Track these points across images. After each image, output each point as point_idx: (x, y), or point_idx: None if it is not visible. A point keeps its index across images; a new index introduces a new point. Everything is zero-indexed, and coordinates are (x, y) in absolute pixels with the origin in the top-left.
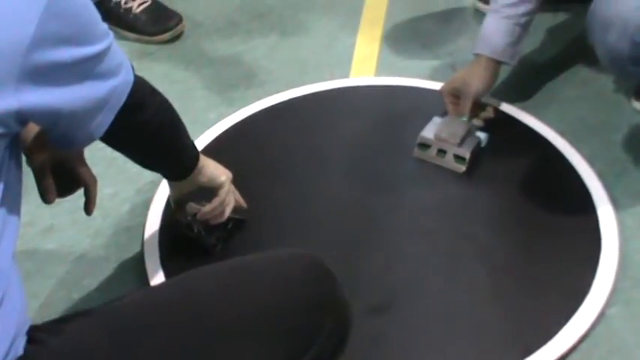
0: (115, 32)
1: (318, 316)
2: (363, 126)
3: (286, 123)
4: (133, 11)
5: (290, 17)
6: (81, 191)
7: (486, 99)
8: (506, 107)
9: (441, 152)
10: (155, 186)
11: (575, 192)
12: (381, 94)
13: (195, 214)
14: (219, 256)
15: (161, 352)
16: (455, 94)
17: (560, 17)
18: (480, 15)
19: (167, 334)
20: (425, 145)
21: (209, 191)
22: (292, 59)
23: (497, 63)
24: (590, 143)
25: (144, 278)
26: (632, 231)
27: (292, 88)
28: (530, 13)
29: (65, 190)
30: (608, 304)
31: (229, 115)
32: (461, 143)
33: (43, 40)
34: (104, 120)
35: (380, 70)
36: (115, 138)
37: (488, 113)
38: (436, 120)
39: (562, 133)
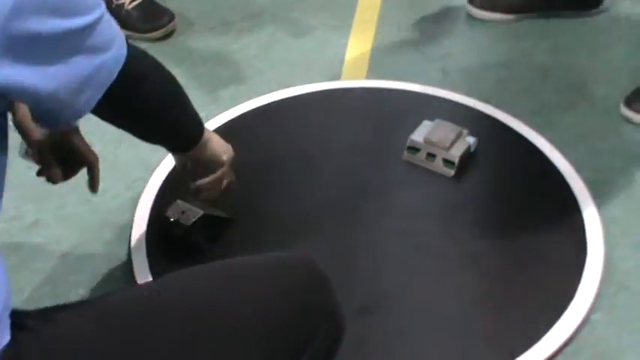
0: None
1: (313, 318)
2: (353, 128)
3: (276, 124)
4: (125, 7)
5: (282, 17)
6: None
7: (476, 104)
8: (495, 113)
9: (431, 156)
10: (144, 182)
11: (561, 198)
12: (371, 97)
13: (183, 212)
14: (206, 255)
15: (153, 344)
16: None
17: (551, 24)
18: (471, 19)
19: (159, 328)
20: (414, 149)
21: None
22: (284, 60)
23: None
24: (577, 150)
25: (131, 275)
26: (617, 238)
27: (283, 88)
28: None
29: (68, 171)
30: (593, 309)
31: (219, 114)
32: (450, 147)
33: (24, 8)
34: (92, 96)
35: (371, 73)
36: (115, 111)
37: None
38: (426, 124)
39: (550, 140)
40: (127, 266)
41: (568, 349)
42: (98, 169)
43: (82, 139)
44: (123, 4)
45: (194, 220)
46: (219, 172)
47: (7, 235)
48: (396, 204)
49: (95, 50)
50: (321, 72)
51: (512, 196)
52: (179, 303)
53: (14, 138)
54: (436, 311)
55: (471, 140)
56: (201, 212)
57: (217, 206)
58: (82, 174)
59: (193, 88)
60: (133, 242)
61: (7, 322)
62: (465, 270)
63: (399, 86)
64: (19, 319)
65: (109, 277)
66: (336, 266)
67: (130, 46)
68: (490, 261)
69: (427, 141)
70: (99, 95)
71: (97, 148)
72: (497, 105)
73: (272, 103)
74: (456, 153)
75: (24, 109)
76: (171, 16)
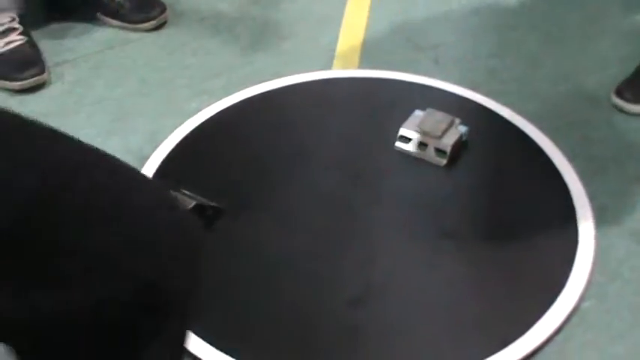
0: (99, 19)
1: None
2: (345, 118)
3: (268, 114)
4: None
5: (274, 8)
6: None
7: (468, 93)
8: (488, 102)
9: (422, 145)
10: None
11: (553, 188)
12: (363, 87)
13: None
14: None
15: None
16: None
17: (542, 14)
18: (472, 15)
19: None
20: (406, 138)
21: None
22: (275, 50)
23: None
24: (569, 140)
25: None
26: (609, 227)
27: (275, 78)
28: None
29: None
30: (584, 297)
31: (211, 104)
32: (442, 137)
33: None
34: None
35: (363, 63)
36: None
37: None
38: (418, 113)
39: (542, 129)
40: None
41: (559, 337)
42: None
43: None
44: None
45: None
46: None
47: None
48: (388, 193)
49: None
50: (313, 62)
51: (503, 185)
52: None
53: None
54: (428, 300)
55: (462, 129)
56: (193, 202)
57: (209, 196)
58: None
59: (185, 78)
60: None
61: None
62: (457, 259)
63: (391, 76)
64: None
65: None
66: (327, 256)
67: None
68: (481, 250)
69: (419, 130)
70: None
71: (87, 139)
72: (489, 94)
73: (264, 93)
74: (447, 142)
75: None
76: (162, 7)
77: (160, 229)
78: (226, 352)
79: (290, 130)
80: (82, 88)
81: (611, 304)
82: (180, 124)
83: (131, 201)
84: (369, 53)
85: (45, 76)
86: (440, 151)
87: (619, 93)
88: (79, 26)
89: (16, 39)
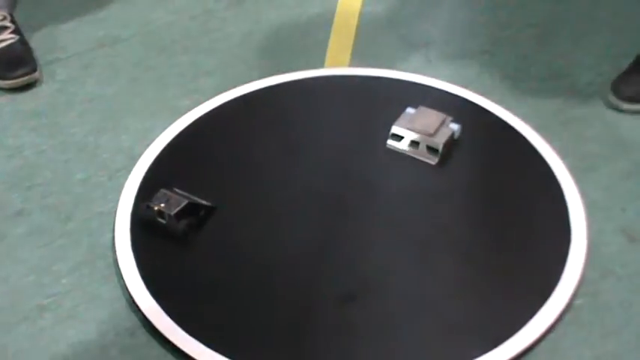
0: None
1: None
2: (337, 116)
3: (260, 112)
4: None
5: (265, 5)
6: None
7: (460, 91)
8: (480, 100)
9: (414, 143)
10: (127, 172)
11: (546, 185)
12: (355, 85)
13: (167, 201)
14: (190, 243)
15: None
16: None
17: (534, 11)
18: (465, 12)
19: None
20: (398, 136)
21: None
22: (267, 48)
23: None
24: (561, 137)
25: (115, 264)
26: (601, 224)
27: (266, 77)
28: None
29: None
30: (576, 295)
31: (203, 102)
32: (434, 135)
33: None
34: None
35: (354, 60)
36: None
37: None
38: (410, 111)
39: (535, 127)
40: (112, 255)
41: (552, 335)
42: None
43: None
44: None
45: (178, 208)
46: None
47: None
48: (380, 191)
49: None
50: (304, 60)
51: (496, 183)
52: None
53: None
54: (420, 298)
55: (454, 127)
56: (185, 201)
57: (201, 195)
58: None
59: (176, 76)
60: (116, 231)
61: None
62: (449, 257)
63: (382, 74)
64: None
65: (93, 267)
66: (319, 254)
67: None
68: (474, 248)
69: (411, 128)
70: None
71: (77, 137)
72: (481, 92)
73: (255, 91)
74: (439, 140)
75: None
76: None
77: None
78: (218, 351)
79: (282, 129)
80: (73, 86)
81: (604, 302)
82: (171, 123)
83: None
84: (360, 51)
85: (36, 74)
86: (432, 149)
87: (614, 91)
88: (70, 25)
89: (7, 37)
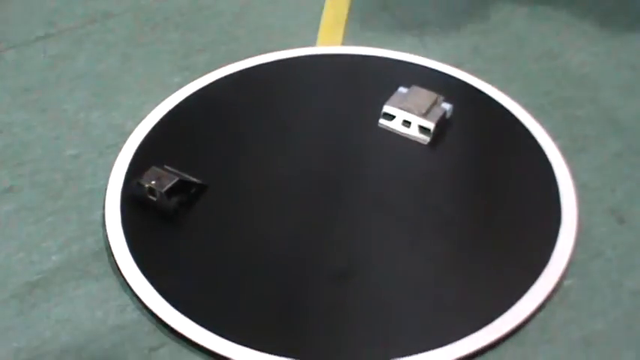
0: None
1: None
2: (329, 95)
3: (251, 90)
4: None
5: None
6: (39, 152)
7: (452, 71)
8: (472, 80)
9: (406, 123)
10: (118, 149)
11: (537, 166)
12: (347, 64)
13: (158, 178)
14: (181, 221)
15: None
16: None
17: None
18: None
19: None
20: (390, 116)
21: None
22: (259, 26)
23: None
24: (553, 118)
25: (105, 241)
26: (591, 205)
27: (258, 54)
28: None
29: None
30: (566, 275)
31: (194, 80)
32: (426, 114)
33: None
34: None
35: (347, 39)
36: None
37: None
38: (402, 90)
39: (526, 107)
40: (102, 232)
41: (540, 314)
42: None
43: None
44: None
45: (169, 186)
46: None
47: None
48: (372, 171)
49: None
50: (297, 38)
51: (487, 163)
52: None
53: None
54: (410, 278)
55: (446, 107)
56: (176, 178)
57: (192, 172)
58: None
59: (168, 53)
60: (107, 209)
61: None
62: (440, 236)
63: (375, 53)
64: None
65: (84, 244)
66: (310, 233)
67: None
68: (464, 227)
69: (403, 108)
70: None
71: (68, 113)
72: (473, 72)
73: (247, 69)
74: (431, 120)
75: None
76: None
77: None
78: (209, 328)
79: (273, 107)
80: (63, 62)
81: (593, 282)
82: (162, 100)
83: None
84: (353, 30)
85: None
86: (424, 129)
87: None
88: (61, 0)
89: None
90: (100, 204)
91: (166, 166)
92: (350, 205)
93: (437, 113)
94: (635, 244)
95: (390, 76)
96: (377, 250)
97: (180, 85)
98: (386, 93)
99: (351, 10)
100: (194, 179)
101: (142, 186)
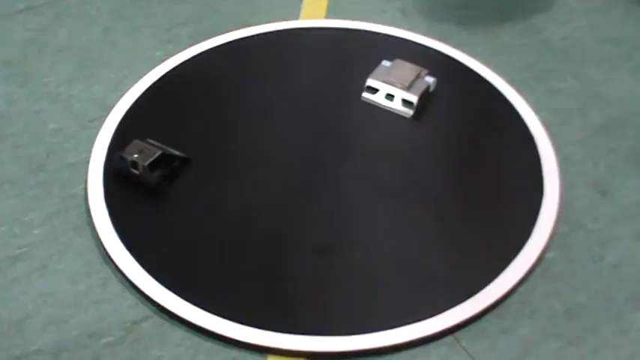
0: None
1: None
2: (312, 68)
3: (234, 63)
4: None
5: None
6: (21, 126)
7: (436, 44)
8: (455, 53)
9: (390, 96)
10: (100, 122)
11: (519, 139)
12: (330, 37)
13: (141, 151)
14: (164, 194)
15: None
16: None
17: None
18: None
19: None
20: (373, 89)
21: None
22: None
23: None
24: (536, 91)
25: (87, 214)
26: (573, 178)
27: (242, 28)
28: None
29: None
30: (548, 248)
31: (176, 53)
32: (409, 88)
33: None
34: None
35: (330, 13)
36: None
37: None
38: (385, 64)
39: (509, 81)
40: (84, 206)
41: (522, 287)
42: None
43: None
44: None
45: (151, 159)
46: None
47: None
48: (355, 144)
49: None
50: (280, 11)
51: (470, 137)
52: None
53: None
54: (394, 251)
55: (430, 80)
56: (159, 152)
57: (175, 146)
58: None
59: (150, 26)
60: (89, 182)
61: None
62: (423, 210)
63: (358, 26)
64: None
65: (66, 217)
66: (294, 207)
67: None
68: (447, 201)
69: (386, 81)
70: None
71: (50, 87)
72: (457, 45)
73: (230, 42)
74: (415, 93)
75: None
76: None
77: None
78: (192, 302)
79: (256, 80)
80: (44, 35)
81: (575, 255)
82: (145, 74)
83: None
84: (336, 3)
85: None
86: (407, 102)
87: None
88: None
89: None
90: (82, 177)
91: (149, 140)
92: (334, 178)
93: (420, 87)
94: (616, 216)
95: (374, 50)
96: (360, 224)
97: (162, 59)
98: (369, 66)
99: None
100: (177, 152)
101: (125, 159)
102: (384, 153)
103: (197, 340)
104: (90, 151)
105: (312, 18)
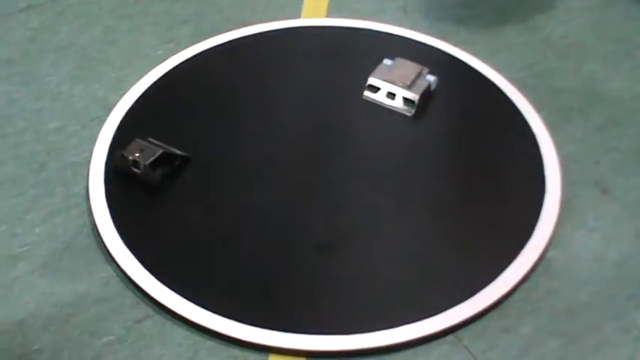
0: None
1: None
2: (313, 67)
3: (236, 62)
4: None
5: None
6: (22, 125)
7: (437, 43)
8: (456, 52)
9: (391, 95)
10: (101, 121)
11: (521, 138)
12: (331, 35)
13: (142, 150)
14: (165, 193)
15: None
16: None
17: None
18: None
19: None
20: (375, 87)
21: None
22: None
23: None
24: (537, 90)
25: (89, 213)
26: (575, 176)
27: (243, 26)
28: None
29: None
30: (550, 246)
31: (178, 52)
32: (411, 86)
33: None
34: None
35: (331, 11)
36: None
37: None
38: (386, 62)
39: (511, 80)
40: (85, 205)
41: (525, 285)
42: None
43: None
44: None
45: (153, 158)
46: None
47: None
48: (356, 142)
49: None
50: (281, 10)
51: (472, 135)
52: None
53: None
54: (396, 249)
55: (431, 79)
56: (160, 150)
57: (176, 145)
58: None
59: (152, 25)
60: (90, 181)
61: None
62: (424, 208)
63: (360, 25)
64: None
65: (67, 216)
66: (295, 204)
67: None
68: (449, 199)
69: (387, 80)
70: None
71: (51, 85)
72: (458, 44)
73: (232, 41)
74: (416, 92)
75: None
76: None
77: None
78: (193, 300)
79: (258, 79)
80: (46, 34)
81: (577, 253)
82: (146, 72)
83: None
84: (337, 1)
85: None
86: (408, 101)
87: None
88: None
89: None
90: (83, 176)
91: (150, 139)
92: (335, 176)
93: (421, 85)
94: (618, 215)
95: (375, 48)
96: (362, 222)
97: (163, 58)
98: (370, 65)
99: None
100: (178, 151)
101: (126, 158)
102: (385, 152)
103: (198, 339)
104: (91, 150)
105: (313, 17)
